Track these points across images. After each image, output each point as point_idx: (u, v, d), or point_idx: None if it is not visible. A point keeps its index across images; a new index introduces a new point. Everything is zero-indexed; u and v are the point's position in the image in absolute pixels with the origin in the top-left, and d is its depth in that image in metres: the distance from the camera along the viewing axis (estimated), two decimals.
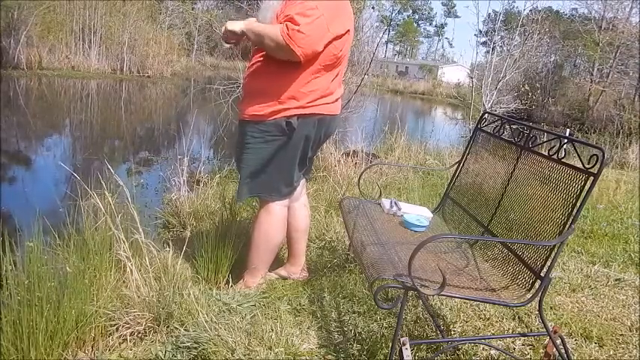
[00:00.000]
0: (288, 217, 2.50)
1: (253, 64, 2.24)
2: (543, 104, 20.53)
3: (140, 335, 2.02)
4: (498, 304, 1.91)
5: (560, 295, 2.47)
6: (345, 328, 2.05)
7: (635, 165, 7.84)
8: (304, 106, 2.17)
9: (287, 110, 2.16)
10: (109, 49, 19.70)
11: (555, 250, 1.61)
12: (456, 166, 2.57)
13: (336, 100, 2.32)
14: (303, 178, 2.51)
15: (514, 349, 1.98)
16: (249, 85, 2.26)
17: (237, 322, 1.97)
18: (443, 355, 1.88)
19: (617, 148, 9.35)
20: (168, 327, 2.01)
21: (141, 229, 2.26)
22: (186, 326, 1.97)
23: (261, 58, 2.20)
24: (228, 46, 2.38)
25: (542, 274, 1.61)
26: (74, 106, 12.39)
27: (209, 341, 1.83)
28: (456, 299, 2.24)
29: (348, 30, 2.21)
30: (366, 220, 2.23)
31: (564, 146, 1.88)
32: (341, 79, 2.37)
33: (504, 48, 11.01)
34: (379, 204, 2.51)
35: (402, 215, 2.34)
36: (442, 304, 2.28)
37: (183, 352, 1.85)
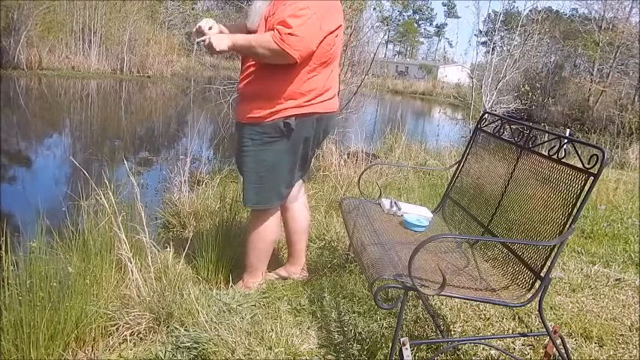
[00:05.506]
0: (287, 218, 2.51)
1: (247, 68, 2.20)
2: (543, 104, 20.51)
3: (140, 335, 2.02)
4: (498, 304, 1.91)
5: (560, 295, 2.47)
6: (345, 328, 2.05)
7: (636, 165, 7.84)
8: (301, 105, 2.16)
9: (284, 111, 2.14)
10: (109, 49, 19.69)
11: (555, 250, 1.61)
12: (456, 166, 2.57)
13: (333, 96, 2.31)
14: (301, 178, 2.51)
15: (514, 349, 1.98)
16: (246, 89, 2.22)
17: (238, 322, 1.97)
18: (443, 355, 1.88)
19: (617, 148, 9.36)
20: (168, 327, 2.01)
21: (146, 229, 2.26)
22: (186, 326, 1.97)
23: (254, 61, 2.16)
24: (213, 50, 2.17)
25: (542, 274, 1.61)
26: (74, 106, 12.39)
27: (209, 341, 1.83)
28: (456, 299, 2.24)
29: (340, 25, 2.21)
30: (366, 220, 2.23)
31: (564, 146, 1.88)
32: (336, 75, 2.36)
33: (504, 48, 11.01)
34: (379, 204, 2.51)
35: (402, 215, 2.34)
36: (442, 304, 2.29)
37: (183, 352, 1.86)
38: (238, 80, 2.29)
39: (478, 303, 2.24)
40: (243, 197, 2.32)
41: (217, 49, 2.10)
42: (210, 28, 2.15)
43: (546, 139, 2.12)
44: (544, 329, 1.68)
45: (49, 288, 1.85)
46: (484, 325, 2.13)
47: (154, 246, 2.35)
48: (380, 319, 2.09)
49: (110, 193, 2.33)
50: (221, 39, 2.10)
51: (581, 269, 2.82)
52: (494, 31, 10.30)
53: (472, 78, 10.67)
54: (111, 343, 1.97)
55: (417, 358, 1.86)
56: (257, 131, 2.19)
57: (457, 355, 1.91)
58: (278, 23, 2.01)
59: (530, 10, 12.02)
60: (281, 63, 2.07)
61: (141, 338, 2.01)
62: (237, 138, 2.29)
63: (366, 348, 1.89)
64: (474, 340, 1.97)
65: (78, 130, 9.39)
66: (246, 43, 2.09)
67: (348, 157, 5.07)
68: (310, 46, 2.05)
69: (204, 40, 2.10)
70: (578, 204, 1.60)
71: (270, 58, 2.07)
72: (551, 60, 23.64)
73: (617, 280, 2.70)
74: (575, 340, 2.06)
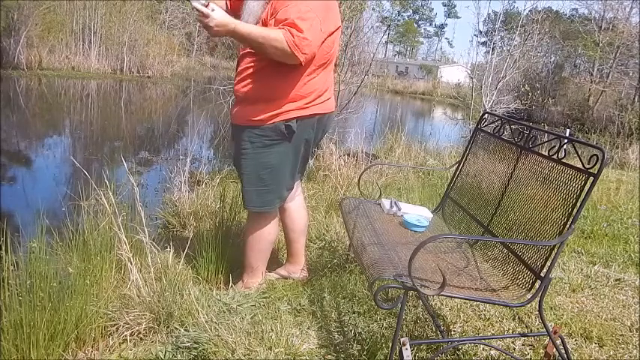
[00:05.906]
0: (285, 218, 2.50)
1: (246, 69, 2.14)
2: (543, 104, 20.52)
3: (140, 335, 2.02)
4: (498, 305, 1.91)
5: (560, 295, 2.47)
6: (345, 328, 2.05)
7: (636, 165, 7.85)
8: (302, 107, 2.15)
9: (286, 113, 2.12)
10: (109, 50, 19.68)
11: (555, 250, 1.61)
12: (456, 166, 2.57)
13: (331, 96, 2.30)
14: (299, 178, 2.50)
15: (514, 349, 1.98)
16: (245, 90, 2.16)
17: (238, 322, 1.97)
18: (443, 355, 1.88)
19: (617, 148, 9.38)
20: (168, 327, 2.01)
21: (146, 229, 2.26)
22: (186, 326, 1.97)
23: (253, 63, 2.12)
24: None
25: (542, 275, 1.61)
26: (74, 106, 12.40)
27: (209, 341, 1.83)
28: (456, 299, 2.24)
29: (339, 27, 2.20)
30: (366, 221, 2.23)
31: (564, 146, 1.88)
32: (332, 76, 2.35)
33: (504, 48, 11.03)
34: (379, 204, 2.51)
35: (402, 215, 2.34)
36: (442, 304, 2.29)
37: (183, 352, 1.85)
38: (234, 81, 2.24)
39: (478, 303, 2.24)
40: (243, 199, 2.30)
41: (215, 35, 1.99)
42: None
43: (546, 139, 2.12)
44: (544, 329, 1.68)
45: (49, 288, 1.85)
46: (484, 326, 2.13)
47: (154, 246, 2.34)
48: (380, 319, 2.09)
49: (110, 194, 2.33)
50: (222, 24, 1.95)
51: (581, 269, 2.82)
52: (494, 31, 10.31)
53: (472, 78, 10.68)
54: (111, 343, 1.97)
55: (417, 358, 1.86)
56: (257, 134, 2.16)
57: (457, 355, 1.91)
58: (287, 24, 1.96)
59: (530, 10, 12.03)
60: (283, 62, 2.03)
61: (141, 338, 2.01)
62: (236, 140, 2.25)
63: (366, 348, 1.88)
64: (474, 340, 1.97)
65: (78, 130, 9.39)
66: (252, 36, 2.00)
67: (348, 157, 5.07)
68: (315, 49, 2.03)
69: (205, 18, 1.91)
70: (578, 204, 1.60)
71: (274, 55, 2.01)
72: (551, 60, 23.66)
73: (617, 280, 2.70)
74: (575, 340, 2.06)
